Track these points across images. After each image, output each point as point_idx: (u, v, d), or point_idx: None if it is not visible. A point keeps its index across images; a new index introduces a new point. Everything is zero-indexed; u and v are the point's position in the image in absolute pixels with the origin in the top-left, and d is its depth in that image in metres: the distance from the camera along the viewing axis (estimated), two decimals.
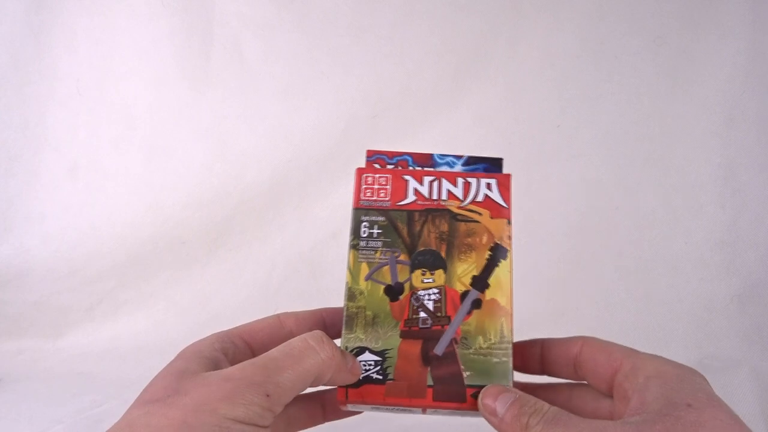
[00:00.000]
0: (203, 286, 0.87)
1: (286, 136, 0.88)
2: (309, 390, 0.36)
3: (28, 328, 0.87)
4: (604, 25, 0.82)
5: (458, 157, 0.38)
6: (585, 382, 0.35)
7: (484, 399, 0.31)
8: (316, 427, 0.38)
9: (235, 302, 0.85)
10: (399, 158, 0.38)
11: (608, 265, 0.78)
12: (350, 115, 0.87)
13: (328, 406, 0.37)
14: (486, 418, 0.31)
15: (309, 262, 0.85)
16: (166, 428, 0.26)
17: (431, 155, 0.38)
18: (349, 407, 0.34)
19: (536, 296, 0.75)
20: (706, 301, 0.74)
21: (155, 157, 0.91)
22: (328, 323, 0.37)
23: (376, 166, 0.38)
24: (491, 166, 0.38)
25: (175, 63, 0.90)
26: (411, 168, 0.38)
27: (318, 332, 0.32)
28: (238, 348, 0.34)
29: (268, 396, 0.28)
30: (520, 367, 0.36)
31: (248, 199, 0.89)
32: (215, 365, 0.31)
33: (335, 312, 0.36)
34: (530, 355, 0.36)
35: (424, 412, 0.33)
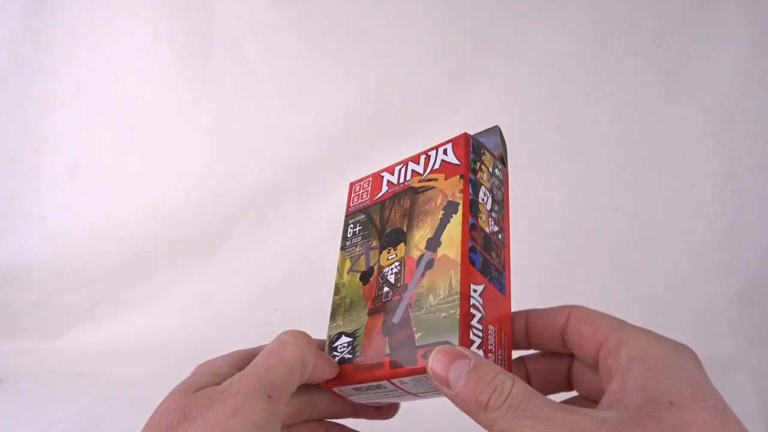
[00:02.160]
0: (203, 286, 0.87)
1: (286, 136, 0.88)
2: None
3: (28, 328, 0.87)
4: (604, 25, 0.82)
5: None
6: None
7: (433, 366, 0.27)
8: None
9: (235, 302, 0.85)
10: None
11: (608, 265, 0.78)
12: (350, 116, 0.87)
13: (331, 429, 0.37)
14: (439, 389, 0.28)
15: (309, 262, 0.85)
16: None
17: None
18: (344, 394, 0.35)
19: (536, 296, 0.75)
20: (706, 301, 0.74)
21: (155, 157, 0.91)
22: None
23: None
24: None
25: (175, 63, 0.90)
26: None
27: (290, 330, 0.33)
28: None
29: (270, 397, 0.28)
30: None
31: (248, 199, 0.89)
32: (226, 378, 0.31)
33: None
34: (515, 328, 0.34)
35: (410, 393, 0.33)
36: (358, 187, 0.40)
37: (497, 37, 0.84)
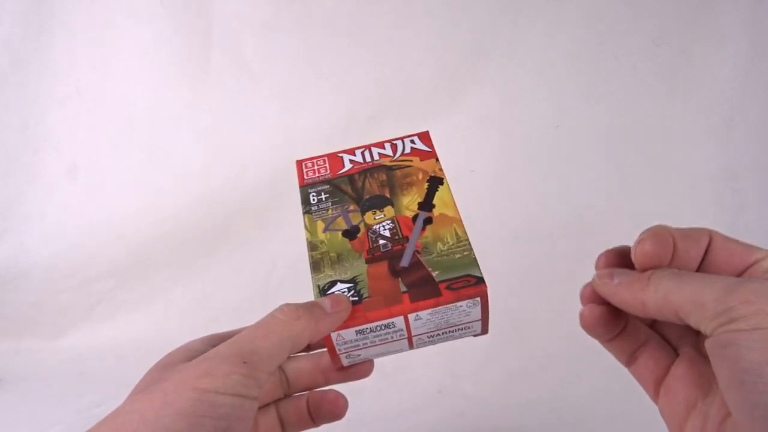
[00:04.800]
0: (203, 286, 0.87)
1: (285, 136, 0.88)
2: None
3: (28, 328, 0.87)
4: (603, 25, 0.82)
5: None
6: None
7: (597, 275, 0.31)
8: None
9: (235, 302, 0.85)
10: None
11: None
12: (350, 116, 0.87)
13: (312, 409, 0.38)
14: (599, 287, 0.31)
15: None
16: (149, 410, 0.27)
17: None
18: (343, 359, 0.35)
19: (536, 296, 0.75)
20: None
21: (155, 157, 0.91)
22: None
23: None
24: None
25: (174, 63, 0.90)
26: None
27: (283, 304, 0.33)
28: None
29: (245, 363, 0.28)
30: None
31: (248, 199, 0.89)
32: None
33: None
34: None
35: (410, 338, 0.35)
36: (309, 163, 0.44)
37: (497, 38, 0.84)
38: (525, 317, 0.71)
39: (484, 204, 0.80)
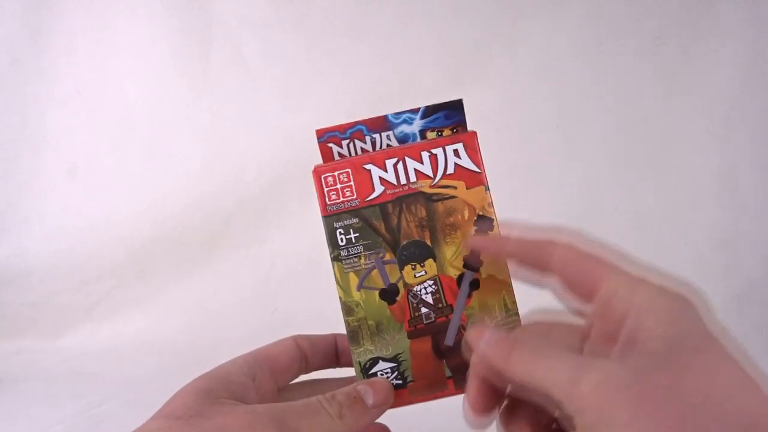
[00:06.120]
0: (203, 286, 0.87)
1: (285, 136, 0.88)
2: None
3: (27, 328, 0.87)
4: (603, 25, 0.82)
5: (414, 112, 0.36)
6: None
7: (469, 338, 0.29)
8: None
9: (235, 302, 0.85)
10: (352, 130, 0.36)
11: None
12: (350, 115, 0.87)
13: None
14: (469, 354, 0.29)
15: (309, 262, 0.84)
16: None
17: (385, 118, 0.35)
18: None
19: (536, 296, 0.75)
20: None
21: (155, 157, 0.91)
22: (340, 348, 0.38)
23: (331, 145, 0.36)
24: (452, 111, 0.36)
25: (174, 63, 0.90)
26: (368, 137, 0.35)
27: (329, 394, 0.32)
28: (265, 372, 0.34)
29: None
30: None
31: (248, 199, 0.89)
32: (242, 392, 0.31)
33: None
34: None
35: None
36: (331, 179, 0.34)
37: (497, 37, 0.84)
38: (524, 316, 0.71)
39: None
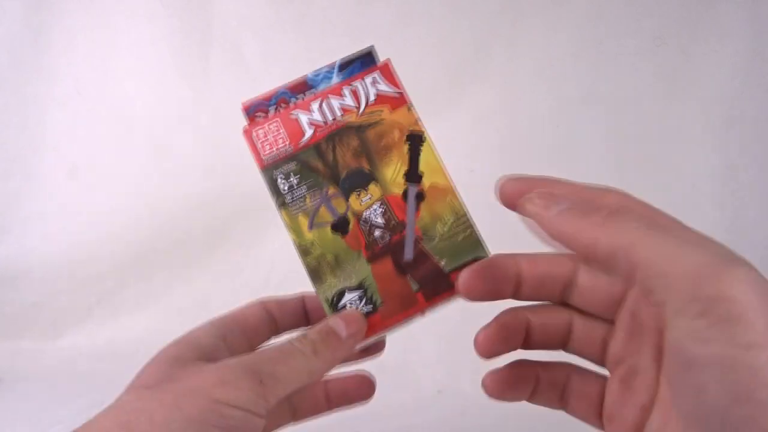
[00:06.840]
0: (203, 286, 0.87)
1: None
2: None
3: (27, 328, 0.87)
4: (602, 25, 0.82)
5: (330, 68, 0.37)
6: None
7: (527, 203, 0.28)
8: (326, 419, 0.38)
9: (235, 302, 0.84)
10: (277, 96, 0.37)
11: None
12: None
13: (331, 394, 0.37)
14: (529, 211, 0.29)
15: None
16: (158, 411, 0.26)
17: (305, 79, 0.37)
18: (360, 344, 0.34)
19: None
20: None
21: (155, 157, 0.91)
22: (309, 307, 0.38)
23: (259, 116, 0.37)
24: (366, 60, 0.37)
25: (174, 63, 0.90)
26: (292, 101, 0.36)
27: (300, 335, 0.32)
28: (236, 334, 0.34)
29: (261, 383, 0.28)
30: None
31: (248, 199, 0.89)
32: (212, 352, 0.31)
33: (315, 297, 0.36)
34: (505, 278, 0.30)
35: (423, 314, 0.34)
36: (262, 132, 0.36)
37: (496, 37, 0.84)
38: None
39: (483, 204, 0.80)
